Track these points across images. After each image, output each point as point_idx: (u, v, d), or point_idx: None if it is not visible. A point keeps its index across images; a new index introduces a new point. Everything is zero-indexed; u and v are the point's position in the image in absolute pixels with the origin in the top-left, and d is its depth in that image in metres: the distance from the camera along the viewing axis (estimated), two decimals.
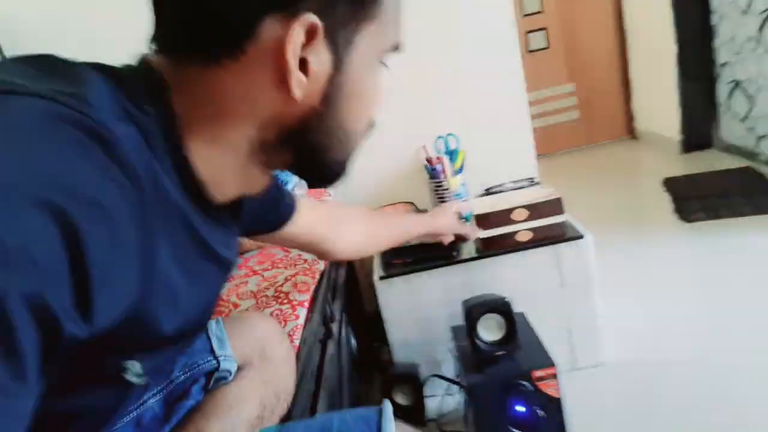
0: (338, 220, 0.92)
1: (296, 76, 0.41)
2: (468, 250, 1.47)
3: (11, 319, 0.25)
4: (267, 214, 0.73)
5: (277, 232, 0.77)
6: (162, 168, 0.39)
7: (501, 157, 1.83)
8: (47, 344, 0.27)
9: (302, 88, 0.42)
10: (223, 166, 0.44)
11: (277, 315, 1.01)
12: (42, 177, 0.26)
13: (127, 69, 0.43)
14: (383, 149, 1.77)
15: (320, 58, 0.42)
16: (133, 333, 0.37)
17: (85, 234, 0.27)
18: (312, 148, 0.47)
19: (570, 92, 4.04)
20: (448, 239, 1.27)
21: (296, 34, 0.40)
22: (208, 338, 0.74)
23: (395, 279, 1.45)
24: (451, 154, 1.67)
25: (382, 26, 0.46)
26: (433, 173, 1.65)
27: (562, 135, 4.08)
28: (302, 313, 1.03)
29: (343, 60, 0.44)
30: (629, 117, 4.05)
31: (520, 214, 1.41)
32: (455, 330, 1.35)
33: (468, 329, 1.20)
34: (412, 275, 1.44)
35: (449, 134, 1.72)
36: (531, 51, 3.90)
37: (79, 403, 0.42)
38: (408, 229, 1.14)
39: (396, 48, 0.49)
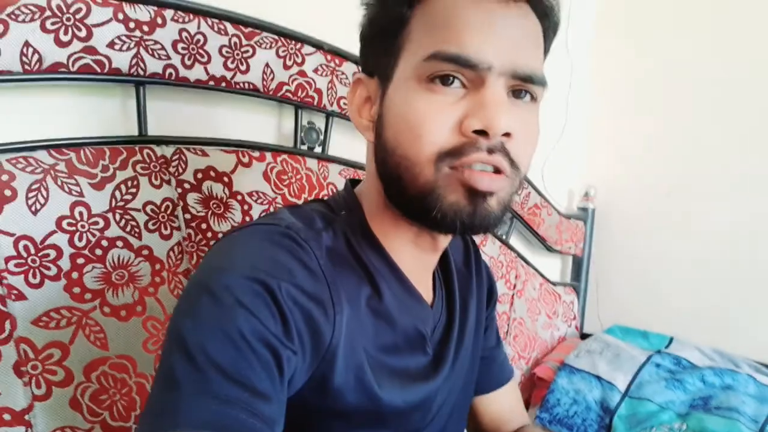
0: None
1: (358, 122, 0.53)
2: None
3: (248, 343, 0.39)
4: (488, 366, 0.73)
5: (489, 394, 0.74)
6: (356, 251, 0.52)
7: None
8: (276, 364, 0.41)
9: (367, 128, 0.53)
10: (382, 232, 0.54)
11: None
12: (249, 265, 0.43)
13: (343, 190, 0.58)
14: None
15: (369, 94, 0.53)
16: (326, 397, 0.48)
17: (276, 288, 0.42)
18: (388, 181, 0.51)
19: None
20: None
21: (358, 95, 0.53)
22: None
23: None
24: None
25: (414, 44, 0.47)
26: None
27: None
28: None
29: (385, 88, 0.50)
30: None
31: None
32: None
33: None
34: None
35: None
36: None
37: None
38: None
39: (437, 56, 0.45)
